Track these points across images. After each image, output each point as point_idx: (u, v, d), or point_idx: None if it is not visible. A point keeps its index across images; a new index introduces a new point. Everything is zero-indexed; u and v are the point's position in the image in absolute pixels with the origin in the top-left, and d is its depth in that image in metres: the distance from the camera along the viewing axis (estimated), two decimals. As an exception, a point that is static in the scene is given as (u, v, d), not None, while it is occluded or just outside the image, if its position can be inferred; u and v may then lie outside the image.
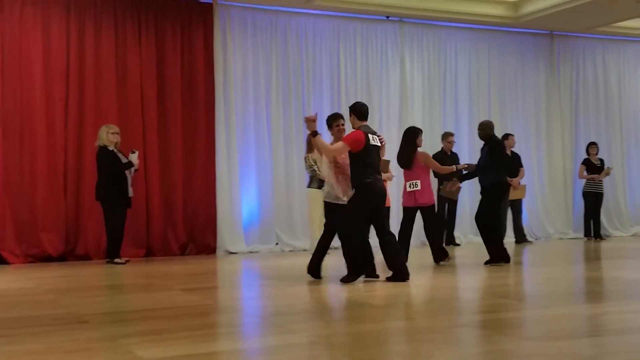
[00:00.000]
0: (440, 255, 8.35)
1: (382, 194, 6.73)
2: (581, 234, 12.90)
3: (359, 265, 6.74)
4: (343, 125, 6.98)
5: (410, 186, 8.25)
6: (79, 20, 10.02)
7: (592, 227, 12.61)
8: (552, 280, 7.01)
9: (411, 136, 8.32)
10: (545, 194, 13.20)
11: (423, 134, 12.02)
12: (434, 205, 8.34)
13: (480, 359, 3.59)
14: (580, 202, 12.91)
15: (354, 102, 7.10)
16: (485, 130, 8.41)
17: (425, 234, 8.59)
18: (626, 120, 14.04)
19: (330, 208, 6.98)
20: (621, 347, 3.81)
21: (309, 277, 7.26)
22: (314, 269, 7.09)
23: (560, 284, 6.84)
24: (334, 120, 7.00)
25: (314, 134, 6.57)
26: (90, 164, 9.71)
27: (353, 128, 6.81)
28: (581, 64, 13.69)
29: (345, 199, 6.84)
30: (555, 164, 13.30)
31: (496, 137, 8.45)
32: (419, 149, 8.32)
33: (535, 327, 4.41)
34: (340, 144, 6.65)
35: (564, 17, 12.12)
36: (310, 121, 6.56)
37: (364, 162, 6.61)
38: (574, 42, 13.58)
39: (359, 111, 6.83)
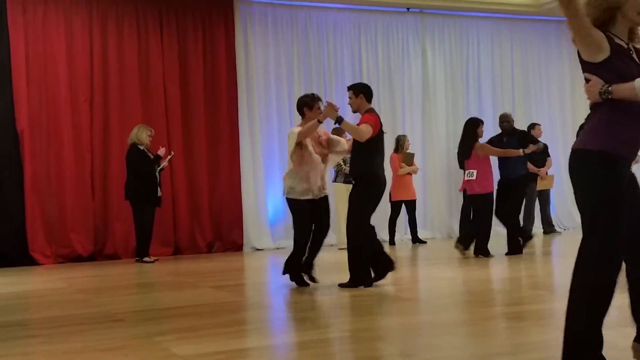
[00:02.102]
0: (465, 243, 8.37)
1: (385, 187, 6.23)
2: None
3: (365, 272, 6.01)
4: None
5: (467, 175, 8.42)
6: (101, 19, 10.09)
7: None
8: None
9: (472, 127, 8.44)
10: (566, 186, 13.06)
11: (447, 124, 12.00)
12: (485, 195, 8.29)
13: (518, 350, 3.58)
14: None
15: (357, 82, 6.57)
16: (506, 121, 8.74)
17: (472, 220, 8.74)
18: (653, 106, 13.82)
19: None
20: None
21: (335, 271, 7.26)
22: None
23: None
24: (314, 102, 6.28)
25: (340, 119, 5.96)
26: (117, 164, 9.80)
27: (358, 110, 6.20)
28: (606, 50, 13.50)
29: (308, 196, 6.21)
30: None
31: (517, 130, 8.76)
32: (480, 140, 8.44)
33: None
34: (365, 126, 5.95)
35: (587, 4, 11.95)
36: (334, 108, 5.96)
37: (377, 149, 6.08)
38: (598, 29, 13.39)
39: (369, 92, 6.23)
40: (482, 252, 8.22)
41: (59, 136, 9.76)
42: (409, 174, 10.67)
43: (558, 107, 13.02)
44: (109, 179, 9.94)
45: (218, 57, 10.70)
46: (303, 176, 6.16)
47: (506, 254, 8.27)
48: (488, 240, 8.28)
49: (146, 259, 9.03)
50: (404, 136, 10.96)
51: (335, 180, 10.21)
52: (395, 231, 10.72)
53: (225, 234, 10.60)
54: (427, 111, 11.95)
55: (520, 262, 7.67)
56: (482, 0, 11.89)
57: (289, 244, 10.78)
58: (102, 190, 9.93)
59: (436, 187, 11.88)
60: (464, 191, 9.05)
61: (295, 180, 6.16)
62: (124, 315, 5.01)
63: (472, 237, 8.40)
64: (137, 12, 10.28)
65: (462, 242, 8.39)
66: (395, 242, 10.66)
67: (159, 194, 9.18)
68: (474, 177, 8.26)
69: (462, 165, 11.31)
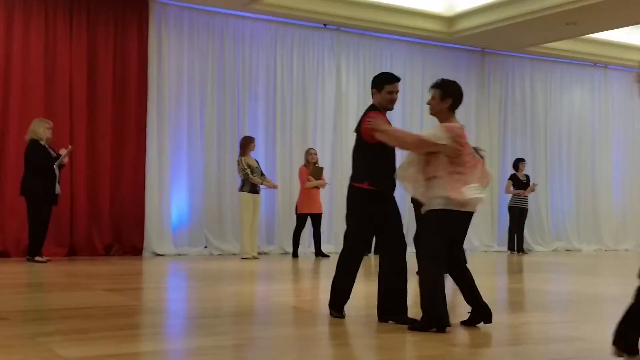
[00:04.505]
0: None
1: None
2: (505, 248, 13.24)
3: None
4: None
5: None
6: (6, 11, 9.67)
7: (516, 241, 12.97)
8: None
9: None
10: (472, 207, 13.48)
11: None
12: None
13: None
14: (506, 217, 13.26)
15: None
16: None
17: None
18: (550, 138, 14.52)
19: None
20: (540, 355, 3.91)
21: (236, 280, 7.17)
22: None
23: (484, 294, 6.98)
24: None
25: None
26: (12, 159, 9.38)
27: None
28: (510, 82, 14.09)
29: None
30: (482, 178, 13.60)
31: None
32: None
33: (461, 334, 4.48)
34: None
35: (495, 36, 12.46)
36: None
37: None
38: (504, 61, 13.97)
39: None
40: None
41: (-48, 126, 9.25)
42: (317, 187, 10.72)
43: (463, 133, 13.42)
44: (2, 174, 9.49)
45: (129, 57, 10.45)
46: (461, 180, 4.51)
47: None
48: None
49: (38, 258, 8.64)
50: (310, 149, 11.01)
51: (241, 189, 10.13)
52: (299, 244, 10.75)
53: (124, 237, 10.31)
54: (339, 127, 12.07)
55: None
56: (397, 24, 12.16)
57: (191, 251, 10.66)
58: (-6, 184, 9.47)
59: (343, 202, 11.90)
60: None
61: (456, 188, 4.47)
62: (8, 314, 4.75)
63: None
64: (46, 5, 9.92)
65: None
66: (299, 254, 10.68)
67: (57, 191, 8.81)
68: None
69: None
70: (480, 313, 4.69)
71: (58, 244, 9.71)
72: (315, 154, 10.93)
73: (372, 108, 4.99)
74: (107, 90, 10.27)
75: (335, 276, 5.04)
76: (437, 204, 4.49)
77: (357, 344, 4.18)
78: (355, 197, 4.93)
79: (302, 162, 11.01)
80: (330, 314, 4.92)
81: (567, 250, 14.24)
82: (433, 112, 4.81)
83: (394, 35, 12.60)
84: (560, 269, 10.28)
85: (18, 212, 9.19)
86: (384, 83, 4.98)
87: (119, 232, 10.29)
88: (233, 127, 11.20)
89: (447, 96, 4.75)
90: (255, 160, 10.36)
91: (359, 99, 12.36)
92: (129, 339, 4.11)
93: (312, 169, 10.72)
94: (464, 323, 4.67)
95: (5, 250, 9.40)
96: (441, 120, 4.73)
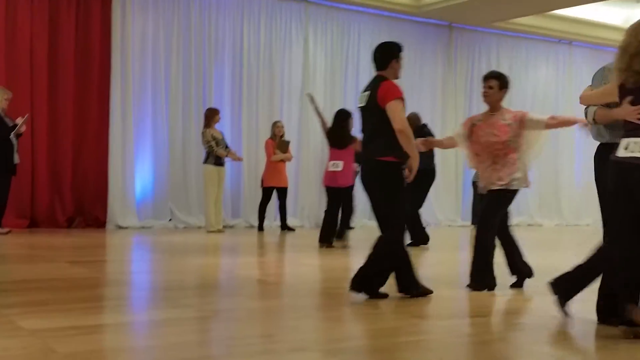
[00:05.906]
0: (340, 237, 8.30)
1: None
2: (468, 222, 13.40)
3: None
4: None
5: (332, 166, 8.12)
6: (-35, -26, 9.39)
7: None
8: (440, 264, 7.25)
9: (345, 118, 8.18)
10: (437, 182, 13.55)
11: (324, 116, 11.91)
12: (352, 186, 8.31)
13: (372, 335, 3.66)
14: (470, 191, 13.40)
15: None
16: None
17: (342, 214, 8.41)
18: (515, 114, 14.63)
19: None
20: (498, 326, 3.99)
21: (201, 253, 7.14)
22: None
23: (447, 267, 7.09)
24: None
25: None
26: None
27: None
28: (477, 57, 14.15)
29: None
30: (448, 153, 13.69)
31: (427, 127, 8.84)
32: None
33: (424, 306, 4.54)
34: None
35: (462, 10, 12.48)
36: None
37: None
38: (471, 35, 14.01)
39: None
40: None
41: None
42: (283, 161, 10.69)
43: (429, 108, 13.45)
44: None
45: (92, 23, 10.23)
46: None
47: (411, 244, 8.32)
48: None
49: (-2, 229, 8.50)
50: (277, 122, 10.95)
51: (205, 162, 10.06)
52: (264, 217, 10.73)
53: (87, 209, 10.18)
54: (305, 100, 12.00)
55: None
56: (365, -4, 12.10)
57: (155, 224, 10.57)
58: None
59: (309, 176, 11.99)
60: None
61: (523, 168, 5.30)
62: (-33, 286, 4.68)
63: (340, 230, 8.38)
64: (6, -31, 9.64)
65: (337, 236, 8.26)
66: (264, 228, 10.67)
67: (16, 161, 8.64)
68: (340, 169, 8.11)
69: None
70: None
71: (18, 216, 9.55)
72: (282, 126, 10.87)
73: (383, 78, 4.81)
74: (69, 58, 10.06)
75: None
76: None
77: (321, 316, 4.21)
78: (388, 172, 4.60)
79: (268, 134, 10.95)
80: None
81: (528, 225, 14.47)
82: (490, 100, 5.30)
83: (362, 8, 12.54)
84: (521, 243, 10.41)
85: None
86: (400, 52, 4.88)
87: (82, 204, 10.15)
88: (198, 98, 11.08)
89: (504, 87, 5.29)
90: (220, 132, 10.28)
91: (326, 71, 12.31)
92: (92, 311, 4.08)
93: (278, 142, 10.67)
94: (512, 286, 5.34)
95: (-36, 221, 9.21)
96: (495, 108, 5.31)
